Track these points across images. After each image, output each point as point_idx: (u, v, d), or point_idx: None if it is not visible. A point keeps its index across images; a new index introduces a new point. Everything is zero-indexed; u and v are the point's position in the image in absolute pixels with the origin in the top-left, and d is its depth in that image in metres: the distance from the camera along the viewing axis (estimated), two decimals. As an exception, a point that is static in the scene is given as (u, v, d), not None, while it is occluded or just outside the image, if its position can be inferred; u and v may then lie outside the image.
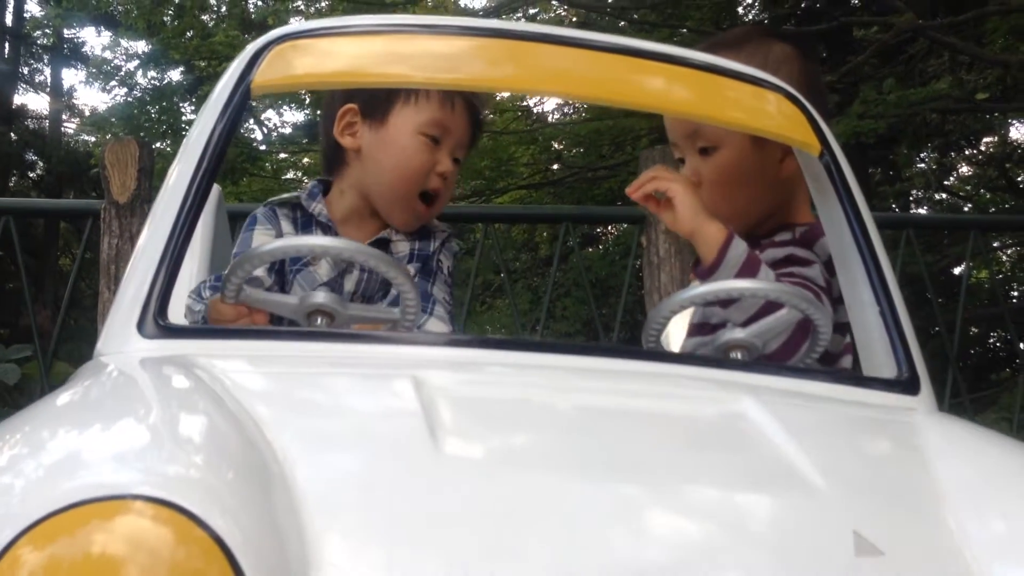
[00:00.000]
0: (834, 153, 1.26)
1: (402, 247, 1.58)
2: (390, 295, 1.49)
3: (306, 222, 1.56)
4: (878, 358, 1.18)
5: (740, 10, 7.56)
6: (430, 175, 1.53)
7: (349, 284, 1.52)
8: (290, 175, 9.29)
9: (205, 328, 1.21)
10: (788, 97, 1.30)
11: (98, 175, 2.94)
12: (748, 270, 1.28)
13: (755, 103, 1.29)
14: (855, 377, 1.18)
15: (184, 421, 0.83)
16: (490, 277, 7.90)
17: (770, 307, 1.23)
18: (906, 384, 1.13)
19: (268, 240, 1.48)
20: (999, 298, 5.69)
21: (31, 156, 14.50)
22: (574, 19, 7.27)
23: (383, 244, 1.55)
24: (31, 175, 14.44)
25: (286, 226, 1.55)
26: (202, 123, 1.21)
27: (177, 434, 0.80)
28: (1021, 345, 4.54)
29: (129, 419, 0.83)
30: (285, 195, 1.60)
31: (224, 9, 8.02)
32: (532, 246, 9.64)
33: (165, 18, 7.46)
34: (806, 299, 1.18)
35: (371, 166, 1.54)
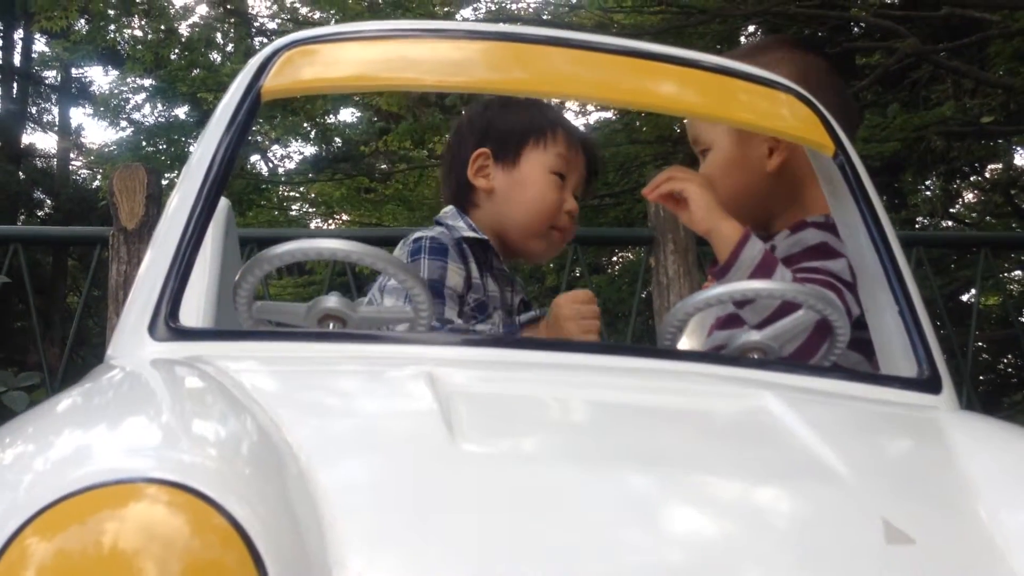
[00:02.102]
0: (848, 153, 1.25)
1: (518, 295, 1.70)
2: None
3: (481, 259, 1.62)
4: (898, 359, 1.16)
5: (742, 39, 7.60)
6: (559, 213, 1.64)
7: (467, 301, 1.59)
8: (296, 208, 9.32)
9: (216, 330, 1.19)
10: (800, 98, 1.29)
11: (105, 210, 2.95)
12: (763, 270, 1.27)
13: (767, 105, 1.29)
14: (876, 376, 1.16)
15: (198, 416, 0.81)
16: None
17: (787, 308, 1.22)
18: (927, 383, 1.11)
19: (459, 278, 1.56)
20: (1013, 320, 5.65)
21: (39, 194, 14.60)
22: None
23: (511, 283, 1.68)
24: (39, 213, 14.52)
25: (472, 266, 1.60)
26: (212, 130, 1.21)
27: (190, 428, 0.78)
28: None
29: (141, 415, 0.81)
30: (436, 231, 1.63)
31: (230, 47, 8.10)
32: (539, 276, 9.63)
33: (172, 55, 7.54)
34: (823, 299, 1.17)
35: (505, 206, 1.65)
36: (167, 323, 1.02)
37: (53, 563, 0.61)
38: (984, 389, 8.43)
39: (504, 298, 1.65)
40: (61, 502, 0.63)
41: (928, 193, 8.70)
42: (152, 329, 1.02)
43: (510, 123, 1.67)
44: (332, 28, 1.29)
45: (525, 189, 1.63)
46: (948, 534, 0.77)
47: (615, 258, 9.31)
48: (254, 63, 1.25)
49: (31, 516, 0.63)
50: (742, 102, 1.29)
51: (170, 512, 0.62)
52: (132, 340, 1.03)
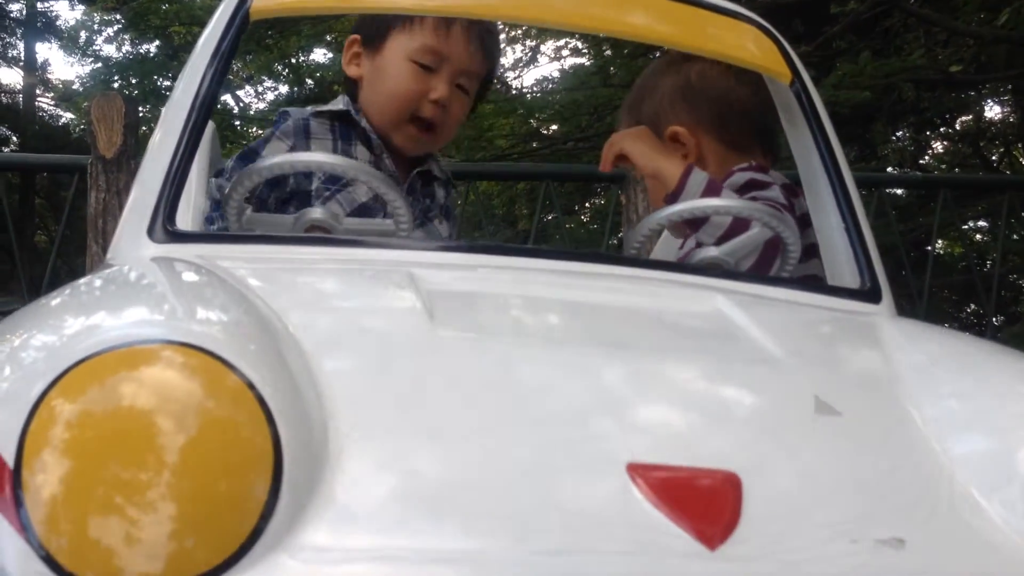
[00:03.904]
0: (804, 81, 1.34)
1: (440, 193, 1.67)
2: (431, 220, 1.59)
3: (345, 133, 1.60)
4: (843, 273, 1.26)
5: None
6: (422, 102, 1.57)
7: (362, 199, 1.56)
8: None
9: (213, 233, 1.26)
10: (762, 29, 1.37)
11: (76, 147, 2.97)
12: (711, 191, 1.37)
13: (730, 35, 1.36)
14: (820, 286, 1.26)
15: (202, 301, 0.88)
16: (470, 249, 7.93)
17: (738, 226, 1.31)
18: (869, 293, 1.20)
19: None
20: (972, 267, 5.81)
21: (5, 131, 14.36)
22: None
23: (427, 176, 1.64)
24: (5, 150, 14.30)
25: (322, 134, 1.58)
26: (202, 47, 1.26)
27: (195, 309, 0.85)
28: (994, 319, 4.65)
29: (147, 298, 0.88)
30: (330, 106, 1.64)
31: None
32: (511, 219, 9.68)
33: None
34: (773, 216, 1.26)
35: (370, 93, 1.61)
36: (165, 227, 1.09)
37: (78, 421, 0.67)
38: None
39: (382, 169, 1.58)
40: (82, 363, 0.69)
41: (899, 144, 8.81)
42: (151, 232, 1.08)
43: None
44: (318, -49, 1.34)
45: (384, 77, 1.58)
46: (872, 411, 0.87)
47: (587, 203, 9.38)
48: (242, -16, 1.29)
49: (54, 379, 0.68)
50: (708, 32, 1.36)
51: (185, 372, 0.69)
52: (131, 243, 1.09)
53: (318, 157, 1.26)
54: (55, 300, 0.91)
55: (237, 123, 8.79)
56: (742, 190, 1.45)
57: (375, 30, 1.59)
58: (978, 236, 9.09)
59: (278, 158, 1.21)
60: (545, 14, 1.36)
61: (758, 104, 1.54)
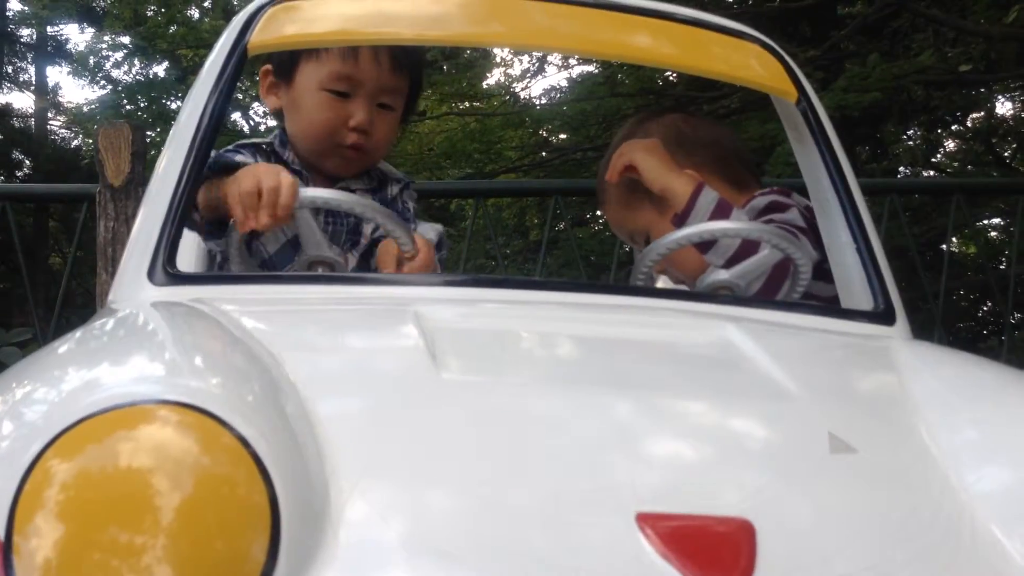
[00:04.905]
0: (810, 99, 1.32)
1: (393, 190, 1.62)
2: (360, 245, 1.54)
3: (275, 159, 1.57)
4: (856, 294, 1.24)
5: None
6: (342, 130, 1.53)
7: None
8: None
9: (213, 275, 1.25)
10: (766, 48, 1.35)
11: (87, 170, 2.98)
12: (721, 212, 1.35)
13: (735, 55, 1.35)
14: (833, 309, 1.24)
15: (200, 351, 0.87)
16: (481, 262, 7.94)
17: (749, 248, 1.29)
18: (882, 315, 1.18)
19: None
20: (985, 266, 5.76)
21: (18, 155, 14.47)
22: None
23: (374, 187, 1.58)
24: (18, 174, 14.41)
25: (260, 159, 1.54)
26: (200, 86, 1.26)
27: (194, 361, 0.84)
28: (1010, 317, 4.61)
29: (146, 349, 0.87)
30: (257, 139, 1.62)
31: (208, 3, 8.02)
32: (523, 230, 9.68)
33: (149, 11, 7.47)
34: (784, 237, 1.24)
35: (291, 125, 1.58)
36: (165, 269, 1.08)
37: (74, 482, 0.66)
38: (964, 335, 8.57)
39: None
40: (79, 424, 0.68)
41: (910, 143, 8.76)
42: (151, 274, 1.07)
43: None
44: (315, -16, 1.33)
45: (300, 108, 1.55)
46: (888, 446, 0.85)
47: (599, 211, 9.36)
48: (239, 19, 1.29)
49: (52, 439, 0.67)
50: (713, 53, 1.35)
51: (181, 431, 0.67)
52: (132, 286, 1.09)
53: (323, 193, 1.25)
54: (58, 350, 0.91)
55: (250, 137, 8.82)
56: (762, 212, 1.44)
57: (284, 62, 1.56)
58: (992, 233, 9.02)
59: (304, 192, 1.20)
60: (549, 40, 1.35)
61: (741, 143, 1.58)
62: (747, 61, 1.35)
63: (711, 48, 1.34)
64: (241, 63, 1.27)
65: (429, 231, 1.45)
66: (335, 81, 1.52)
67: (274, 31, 1.27)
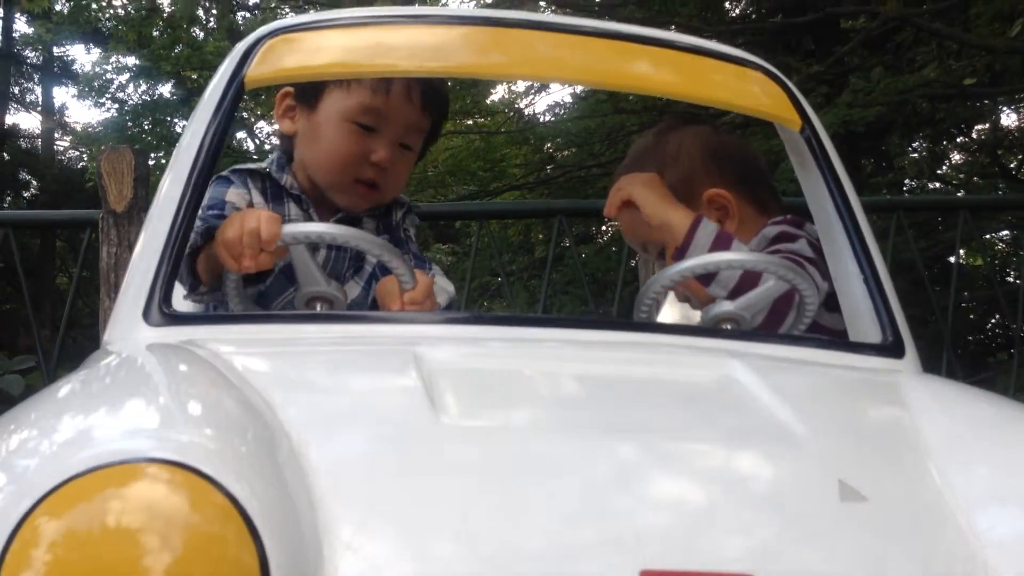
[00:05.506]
0: (815, 127, 1.30)
1: (369, 223, 1.58)
2: (364, 272, 1.51)
3: (276, 193, 1.55)
4: (864, 325, 1.21)
5: (727, 4, 7.61)
6: (362, 164, 1.49)
7: (318, 263, 1.51)
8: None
9: (208, 315, 1.24)
10: (769, 75, 1.33)
11: (93, 191, 2.97)
12: (721, 244, 1.33)
13: (738, 83, 1.33)
14: (841, 343, 1.21)
15: (193, 398, 0.86)
16: (487, 279, 7.93)
17: (751, 279, 1.27)
18: (891, 348, 1.16)
19: (242, 199, 1.48)
20: (993, 280, 5.73)
21: (25, 175, 14.53)
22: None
23: (352, 221, 1.54)
24: (25, 194, 14.48)
25: (256, 196, 1.53)
26: (198, 118, 1.24)
27: (187, 410, 0.83)
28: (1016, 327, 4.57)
29: (138, 398, 0.85)
30: (251, 164, 1.59)
31: (213, 23, 8.06)
32: (528, 247, 9.67)
33: (155, 32, 7.50)
34: (788, 267, 1.22)
35: (306, 152, 1.54)
36: (160, 309, 1.06)
37: (63, 541, 0.65)
38: (973, 348, 8.52)
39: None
40: (68, 483, 0.67)
41: (915, 155, 8.73)
42: (147, 315, 1.06)
43: None
44: (314, 16, 1.32)
45: (320, 137, 1.50)
46: (900, 492, 0.82)
47: (604, 227, 9.36)
48: (238, 50, 1.28)
49: (40, 497, 0.66)
50: (716, 81, 1.33)
51: (171, 490, 0.66)
52: (127, 326, 1.07)
53: (318, 228, 1.24)
54: (53, 397, 0.91)
55: (255, 157, 8.85)
56: (772, 242, 1.42)
57: (310, 87, 1.51)
58: (1000, 245, 8.98)
59: (303, 227, 1.18)
60: (550, 71, 1.34)
61: (763, 160, 1.55)
62: (750, 89, 1.33)
63: (714, 76, 1.32)
64: (239, 95, 1.26)
65: (440, 293, 1.42)
66: (362, 114, 1.48)
67: (272, 64, 1.25)
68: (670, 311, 1.64)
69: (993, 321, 9.22)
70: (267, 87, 1.60)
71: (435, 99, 1.54)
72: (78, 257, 3.18)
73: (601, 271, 7.17)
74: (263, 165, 1.60)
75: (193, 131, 1.23)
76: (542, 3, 7.15)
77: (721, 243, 1.34)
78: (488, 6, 6.63)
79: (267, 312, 1.18)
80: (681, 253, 1.35)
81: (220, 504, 0.66)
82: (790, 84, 1.33)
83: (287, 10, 7.89)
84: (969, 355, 7.84)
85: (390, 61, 1.27)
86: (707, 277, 1.30)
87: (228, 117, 1.24)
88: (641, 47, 1.31)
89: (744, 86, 1.33)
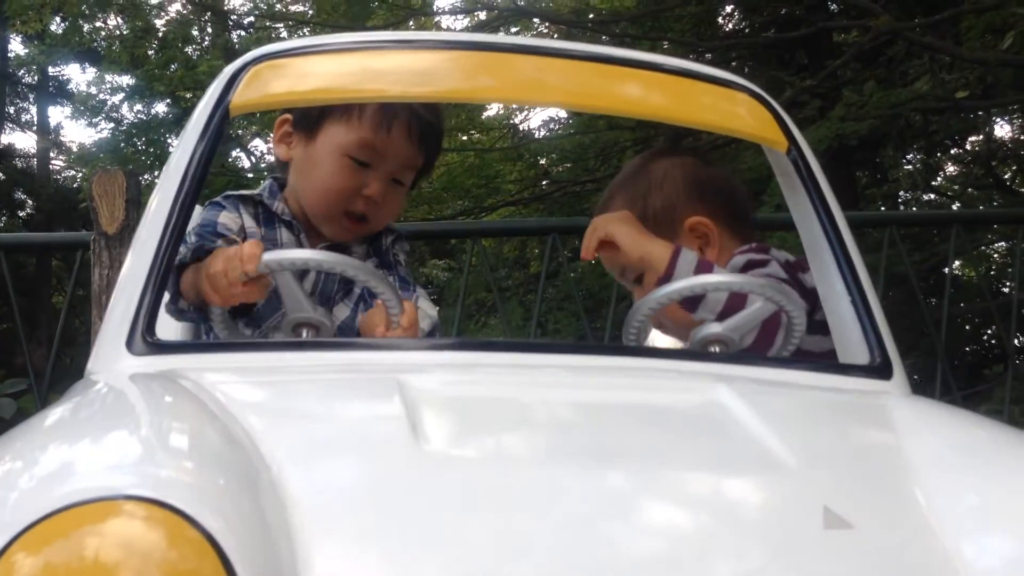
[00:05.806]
0: (801, 149, 1.30)
1: (358, 249, 1.58)
2: (353, 294, 1.51)
3: (268, 219, 1.56)
4: (853, 345, 1.21)
5: (720, 19, 7.64)
6: (354, 198, 1.50)
7: (307, 285, 1.51)
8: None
9: (191, 343, 1.23)
10: (756, 97, 1.33)
11: (88, 210, 2.96)
12: (704, 269, 1.33)
13: (725, 104, 1.33)
14: (828, 364, 1.21)
15: (174, 431, 0.85)
16: (482, 295, 7.92)
17: (737, 302, 1.27)
18: (879, 369, 1.16)
19: (234, 223, 1.49)
20: (986, 293, 5.73)
21: (20, 195, 14.54)
22: (555, 36, 7.34)
23: (342, 248, 1.54)
24: (21, 214, 14.47)
25: (248, 220, 1.54)
26: (183, 145, 1.24)
27: (167, 442, 0.82)
28: (1016, 340, 4.57)
29: (119, 430, 0.85)
30: (244, 190, 1.60)
31: (207, 41, 8.07)
32: (523, 263, 9.67)
33: (149, 51, 7.52)
34: (775, 288, 1.21)
35: (299, 180, 1.55)
36: (144, 338, 1.06)
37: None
38: (969, 360, 8.51)
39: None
40: (46, 519, 0.67)
41: (909, 168, 8.76)
42: (130, 344, 1.05)
43: None
44: (299, 42, 1.32)
45: (315, 168, 1.51)
46: (886, 519, 0.82)
47: (599, 242, 9.35)
48: (224, 76, 1.28)
49: (18, 533, 0.66)
50: (703, 104, 1.33)
51: (147, 527, 0.66)
52: (111, 355, 1.07)
53: (304, 254, 1.23)
54: (35, 428, 0.90)
55: (251, 175, 8.85)
56: (742, 271, 1.42)
57: (310, 116, 1.52)
58: (995, 256, 8.99)
59: (265, 256, 1.18)
60: (537, 95, 1.34)
61: (744, 190, 1.56)
62: (737, 111, 1.33)
63: (701, 99, 1.33)
64: (223, 122, 1.25)
65: (424, 318, 1.42)
66: (360, 149, 1.49)
67: (257, 90, 1.25)
68: (660, 334, 1.63)
69: (989, 332, 9.23)
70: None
71: (431, 135, 1.55)
72: (71, 278, 3.18)
73: (596, 287, 7.17)
74: (256, 191, 1.61)
75: (179, 156, 1.23)
76: (535, 20, 7.19)
77: (702, 271, 1.34)
78: (481, 24, 6.66)
79: (251, 340, 1.17)
80: (664, 282, 1.34)
81: (196, 540, 0.66)
82: (776, 105, 1.34)
83: (281, 28, 7.91)
84: (965, 367, 7.83)
85: (377, 86, 1.27)
86: (693, 302, 1.30)
87: (214, 142, 1.24)
88: (629, 70, 1.31)
89: (731, 108, 1.33)
